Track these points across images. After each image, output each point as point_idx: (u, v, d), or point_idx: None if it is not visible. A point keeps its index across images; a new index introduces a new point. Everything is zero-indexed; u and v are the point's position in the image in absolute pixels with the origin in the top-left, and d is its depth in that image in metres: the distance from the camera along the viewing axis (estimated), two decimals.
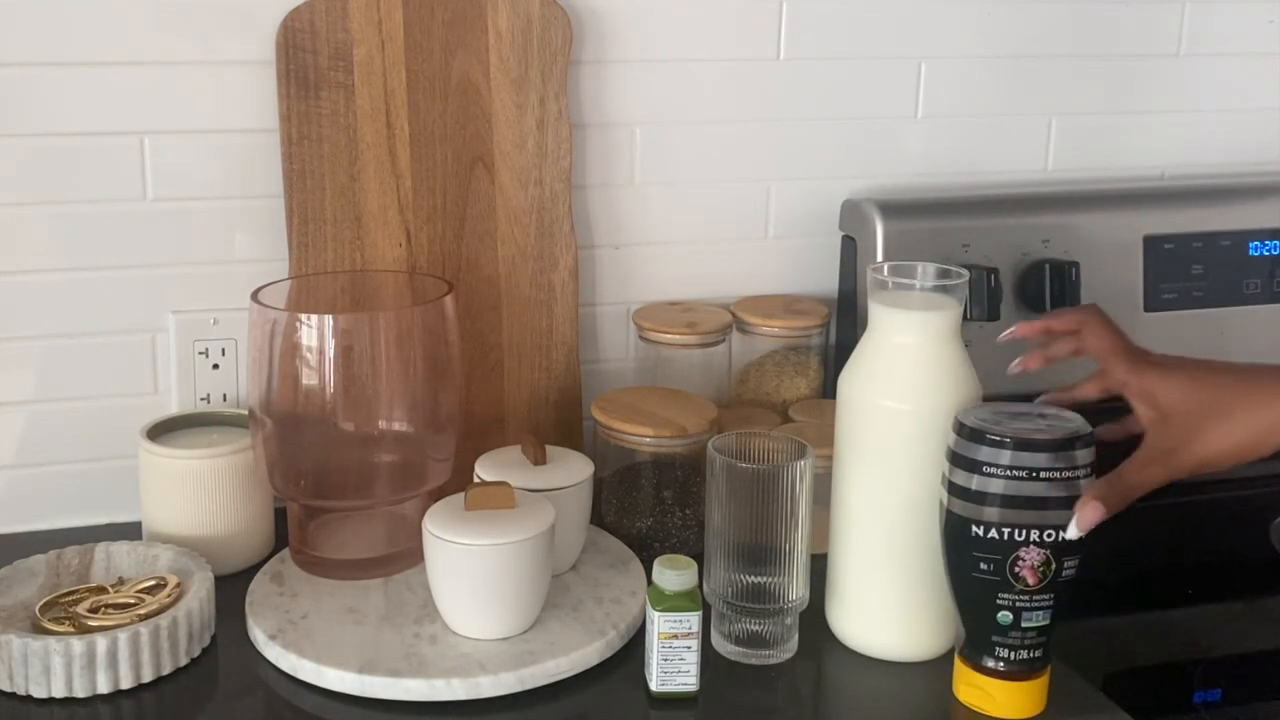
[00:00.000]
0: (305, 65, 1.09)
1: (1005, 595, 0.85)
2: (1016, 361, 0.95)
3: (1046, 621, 0.86)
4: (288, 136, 1.10)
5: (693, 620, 0.88)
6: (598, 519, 1.09)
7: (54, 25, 1.04)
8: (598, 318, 1.25)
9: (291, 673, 0.90)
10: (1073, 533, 0.83)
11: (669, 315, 1.20)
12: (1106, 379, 0.91)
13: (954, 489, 0.86)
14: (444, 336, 1.02)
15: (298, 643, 0.91)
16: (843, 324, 1.25)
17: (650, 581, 0.90)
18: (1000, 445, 0.84)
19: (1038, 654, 0.88)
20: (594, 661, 0.92)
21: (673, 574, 0.88)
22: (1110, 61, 1.36)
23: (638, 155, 1.23)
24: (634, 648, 0.95)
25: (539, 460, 1.01)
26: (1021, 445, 0.83)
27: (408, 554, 1.01)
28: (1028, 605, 0.86)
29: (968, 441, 0.85)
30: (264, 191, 1.12)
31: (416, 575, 0.99)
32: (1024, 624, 0.86)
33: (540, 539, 0.91)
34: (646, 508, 1.09)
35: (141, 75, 1.07)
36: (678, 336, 1.17)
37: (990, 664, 0.88)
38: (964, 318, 0.94)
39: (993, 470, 0.84)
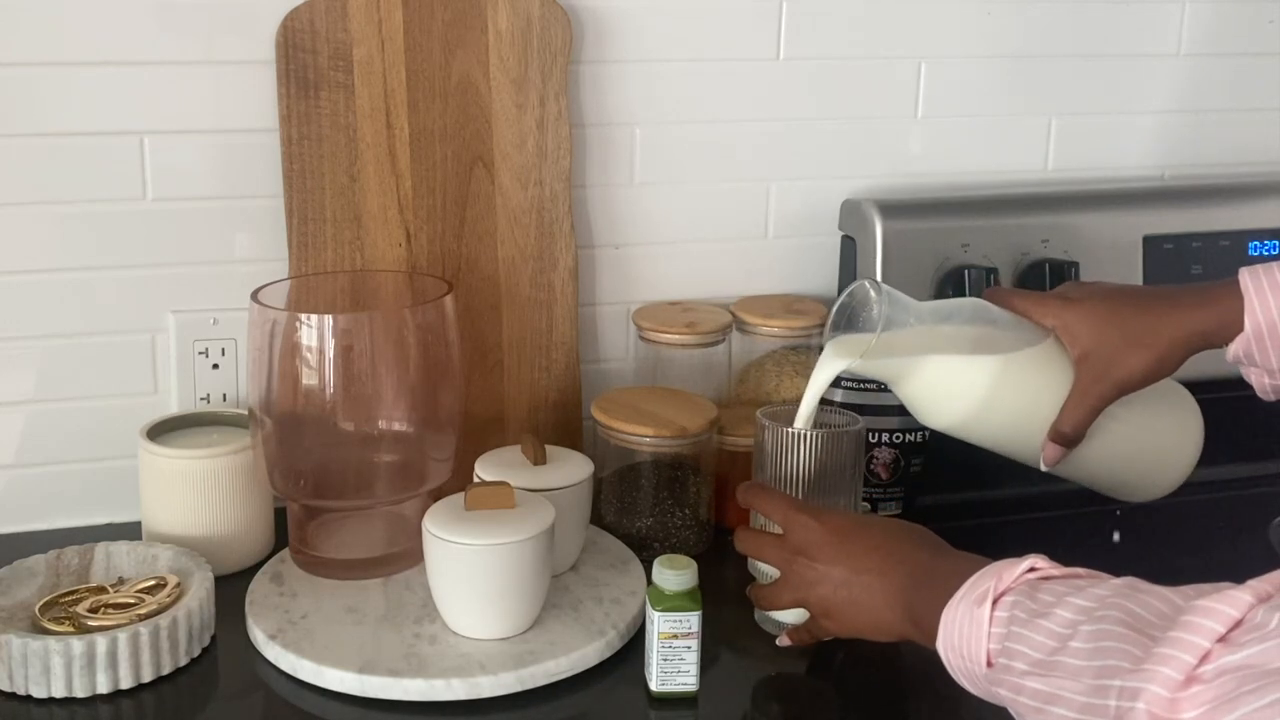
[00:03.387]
0: (305, 65, 1.09)
1: (866, 488, 1.05)
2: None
3: (899, 512, 1.08)
4: (288, 136, 1.10)
5: (693, 620, 0.88)
6: (598, 519, 1.09)
7: (54, 25, 1.04)
8: (598, 318, 1.25)
9: (291, 673, 0.90)
10: (1042, 466, 0.96)
11: (669, 315, 1.20)
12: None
13: (823, 404, 1.00)
14: (444, 336, 1.02)
15: (297, 643, 0.91)
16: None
17: (650, 581, 0.90)
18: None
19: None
20: (594, 661, 0.92)
21: (672, 574, 0.88)
22: (1110, 61, 1.36)
23: (638, 155, 1.23)
24: (634, 648, 0.95)
25: (539, 460, 1.01)
26: None
27: (408, 554, 1.01)
28: (883, 496, 1.09)
29: None
30: (264, 191, 1.12)
31: (416, 575, 0.99)
32: (880, 512, 1.09)
33: (540, 539, 0.91)
34: (646, 508, 1.09)
35: (141, 75, 1.07)
36: (678, 336, 1.17)
37: None
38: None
39: (849, 384, 1.08)
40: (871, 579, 0.84)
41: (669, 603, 0.88)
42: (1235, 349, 0.90)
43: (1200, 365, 1.17)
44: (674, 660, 0.88)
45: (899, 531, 0.87)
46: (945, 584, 0.76)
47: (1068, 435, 0.93)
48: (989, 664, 0.71)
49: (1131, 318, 0.92)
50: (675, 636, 0.88)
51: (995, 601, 0.72)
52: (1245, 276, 0.90)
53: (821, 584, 0.87)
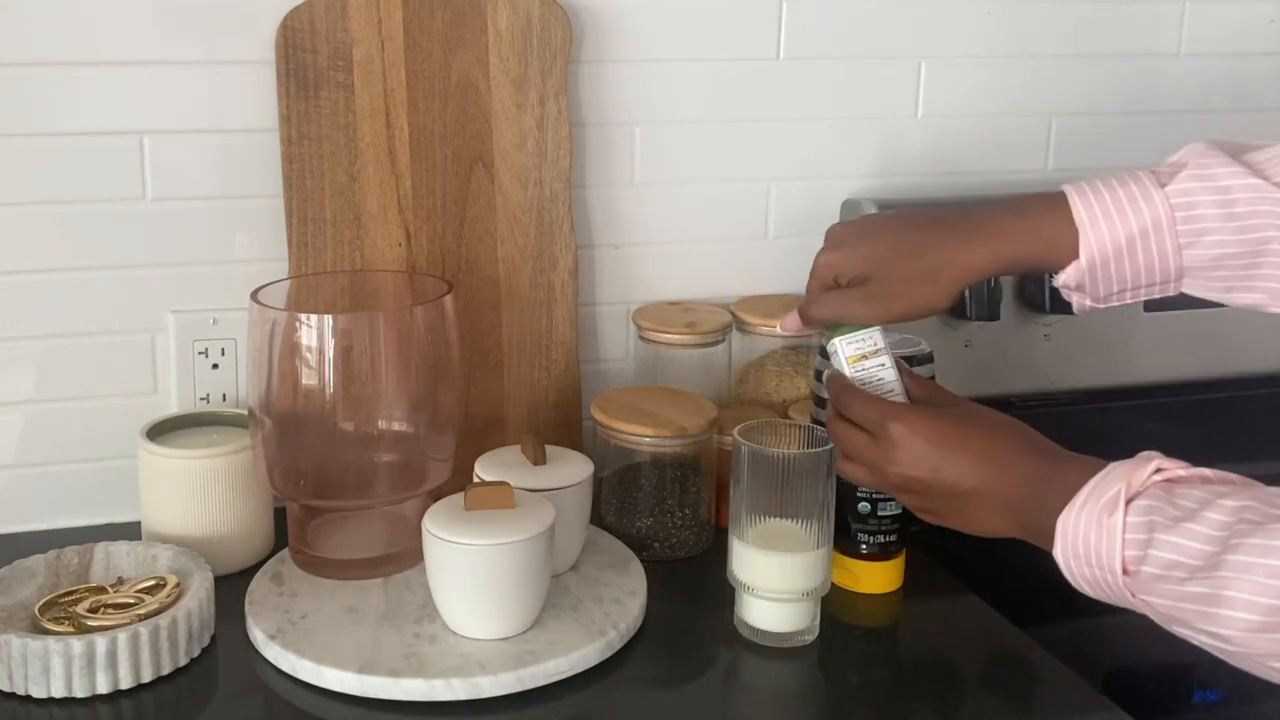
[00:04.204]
0: (305, 65, 1.09)
1: (863, 489, 1.01)
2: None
3: (898, 510, 1.01)
4: (287, 136, 1.10)
5: (874, 335, 0.87)
6: (598, 519, 1.09)
7: (54, 25, 1.04)
8: (598, 318, 1.25)
9: (291, 673, 0.90)
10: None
11: (669, 315, 1.20)
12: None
13: (820, 402, 1.00)
14: (444, 336, 1.02)
15: (297, 643, 0.91)
16: None
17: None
18: None
19: (892, 539, 1.03)
20: (594, 661, 0.92)
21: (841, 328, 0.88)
22: (1110, 61, 1.36)
23: (638, 155, 1.23)
24: (634, 648, 0.95)
25: (539, 460, 1.01)
26: None
27: (408, 554, 1.01)
28: (882, 497, 1.01)
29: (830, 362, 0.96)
30: (264, 191, 1.12)
31: (416, 575, 0.99)
32: (880, 513, 1.02)
33: (540, 539, 0.91)
34: (646, 508, 1.09)
35: (141, 75, 1.07)
36: (678, 336, 1.17)
37: (854, 549, 1.03)
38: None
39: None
40: (980, 494, 0.81)
41: (844, 328, 0.88)
42: (1066, 277, 0.87)
43: (1201, 366, 1.19)
44: (874, 385, 0.88)
45: (1005, 435, 0.82)
46: (1062, 493, 0.75)
47: (812, 320, 0.92)
48: (1125, 571, 0.71)
49: (919, 251, 0.88)
50: (864, 357, 0.87)
51: (1127, 506, 0.71)
52: (1077, 204, 0.86)
53: (924, 494, 0.84)
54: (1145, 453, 0.75)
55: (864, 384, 0.88)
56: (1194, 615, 0.68)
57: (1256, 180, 0.83)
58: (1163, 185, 0.84)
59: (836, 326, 0.89)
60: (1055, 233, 0.86)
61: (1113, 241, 0.85)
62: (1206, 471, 0.73)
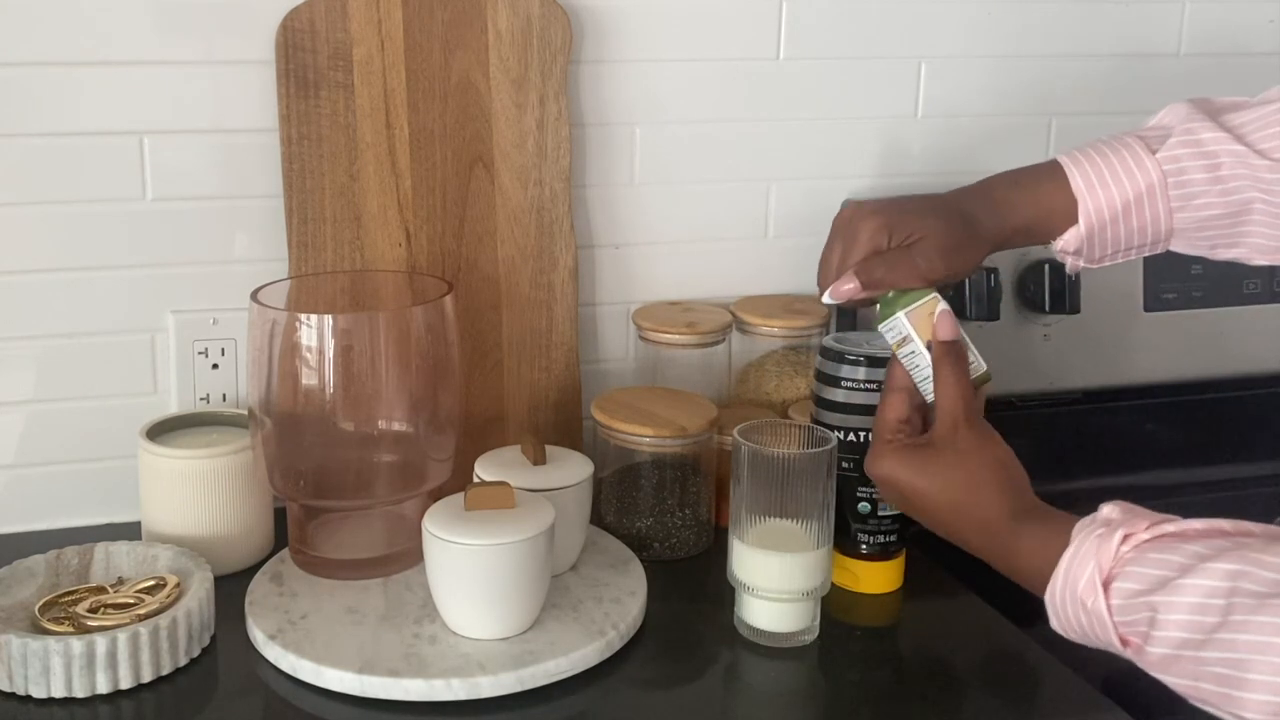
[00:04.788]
0: (305, 65, 1.09)
1: (864, 489, 1.00)
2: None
3: (898, 511, 0.96)
4: (287, 136, 1.10)
5: (898, 323, 0.88)
6: (598, 519, 1.09)
7: (54, 25, 1.04)
8: (598, 318, 1.25)
9: (291, 673, 0.90)
10: (827, 300, 0.91)
11: (669, 315, 1.20)
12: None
13: (820, 402, 1.02)
14: (444, 336, 1.02)
15: (297, 643, 0.91)
16: (842, 324, 1.25)
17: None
18: (856, 363, 0.99)
19: (892, 539, 1.03)
20: (594, 661, 0.92)
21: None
22: (1110, 61, 1.36)
23: (638, 155, 1.23)
24: (634, 648, 0.95)
25: (539, 460, 1.01)
26: (873, 362, 0.98)
27: (408, 554, 1.01)
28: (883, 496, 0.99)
29: (831, 361, 1.01)
30: (264, 191, 1.12)
31: (416, 575, 0.99)
32: (880, 513, 1.02)
33: (540, 539, 0.91)
34: (646, 508, 1.09)
35: (141, 75, 1.07)
36: (678, 336, 1.17)
37: (854, 549, 1.03)
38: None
39: (850, 384, 1.00)
40: (952, 536, 0.85)
41: (884, 311, 0.89)
42: (1065, 242, 0.92)
43: (1201, 366, 1.18)
44: (916, 371, 0.88)
45: (977, 500, 0.83)
46: (1031, 560, 0.77)
47: (881, 279, 0.90)
48: (1126, 644, 0.72)
49: (954, 215, 0.91)
50: (900, 345, 0.89)
51: (1106, 590, 0.72)
52: (1074, 173, 0.90)
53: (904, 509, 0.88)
54: (1106, 510, 0.75)
55: (910, 368, 0.89)
56: (1215, 696, 0.67)
57: (1239, 146, 0.89)
58: (1153, 151, 0.90)
59: (892, 300, 0.89)
60: (1054, 201, 0.91)
61: (1109, 207, 0.90)
62: (1169, 527, 0.73)
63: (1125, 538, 0.72)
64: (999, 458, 0.84)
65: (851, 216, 0.92)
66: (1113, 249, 0.92)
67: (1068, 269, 0.94)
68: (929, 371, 0.87)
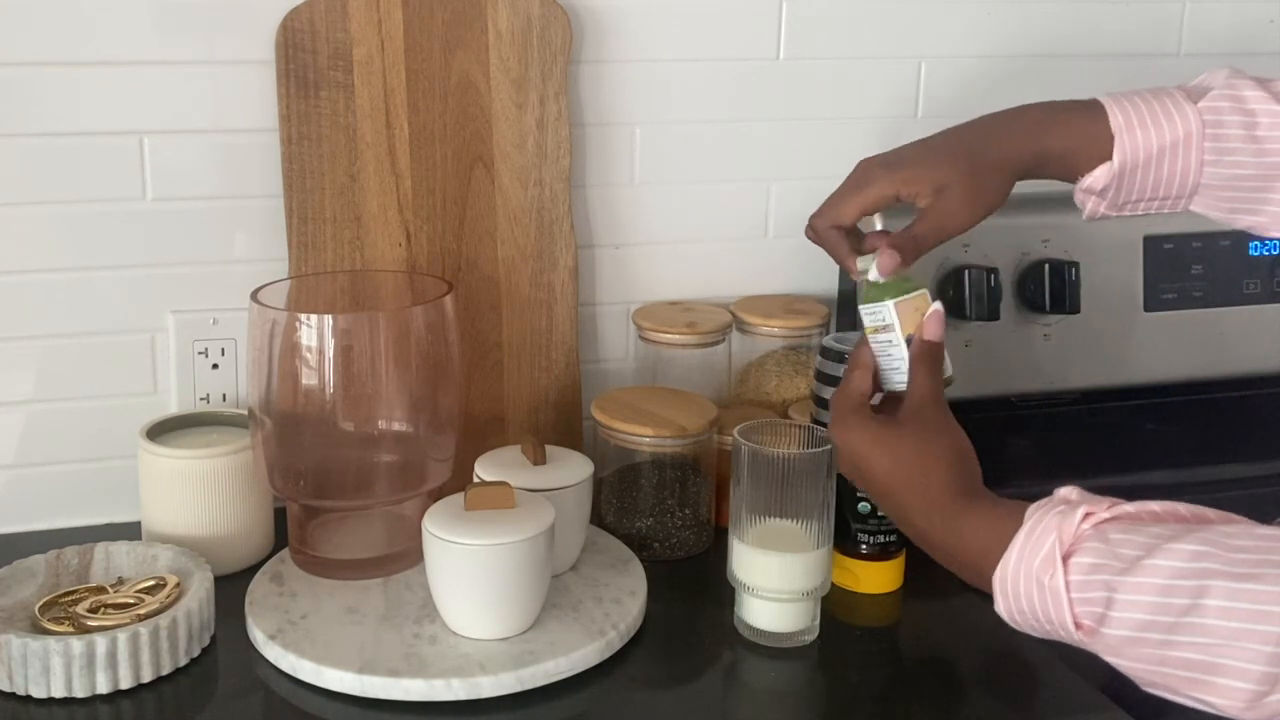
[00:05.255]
0: (305, 65, 1.09)
1: (862, 489, 0.93)
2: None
3: (850, 479, 0.95)
4: (287, 136, 1.10)
5: (883, 310, 0.87)
6: (598, 519, 1.09)
7: (53, 25, 1.04)
8: (598, 318, 1.25)
9: (291, 673, 0.90)
10: (873, 275, 0.88)
11: (669, 315, 1.20)
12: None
13: (820, 401, 1.02)
14: (444, 336, 1.02)
15: (297, 643, 0.91)
16: (842, 324, 1.25)
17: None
18: None
19: (892, 539, 1.03)
20: (594, 661, 0.92)
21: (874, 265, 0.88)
22: (1110, 61, 1.35)
23: (638, 155, 1.23)
24: (634, 648, 0.95)
25: (539, 460, 1.01)
26: None
27: (408, 554, 1.01)
28: None
29: (831, 362, 1.01)
30: (264, 191, 1.12)
31: (416, 575, 0.99)
32: (879, 513, 1.00)
33: (540, 539, 0.91)
34: (646, 508, 1.09)
35: (141, 75, 1.07)
36: (678, 336, 1.17)
37: (854, 549, 1.03)
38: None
39: None
40: (899, 517, 0.84)
41: (871, 294, 0.88)
42: (1094, 179, 0.90)
43: (1201, 366, 1.18)
44: (887, 359, 0.87)
45: (921, 474, 0.83)
46: (983, 539, 0.76)
47: (925, 240, 0.90)
48: (1079, 626, 0.71)
49: (975, 150, 0.91)
50: (877, 330, 0.87)
51: (1065, 564, 0.71)
52: (1114, 110, 0.90)
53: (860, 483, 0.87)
54: (1063, 491, 0.75)
55: (879, 354, 0.88)
56: (1182, 683, 0.67)
57: (1279, 107, 0.87)
58: (1195, 101, 0.88)
59: (883, 285, 0.88)
60: (1090, 134, 0.90)
61: (1145, 149, 0.89)
62: (1128, 507, 0.72)
63: (1086, 515, 0.72)
64: (957, 446, 0.83)
65: (866, 169, 0.92)
66: (1138, 195, 0.90)
67: (1086, 213, 0.92)
68: (899, 363, 0.87)
